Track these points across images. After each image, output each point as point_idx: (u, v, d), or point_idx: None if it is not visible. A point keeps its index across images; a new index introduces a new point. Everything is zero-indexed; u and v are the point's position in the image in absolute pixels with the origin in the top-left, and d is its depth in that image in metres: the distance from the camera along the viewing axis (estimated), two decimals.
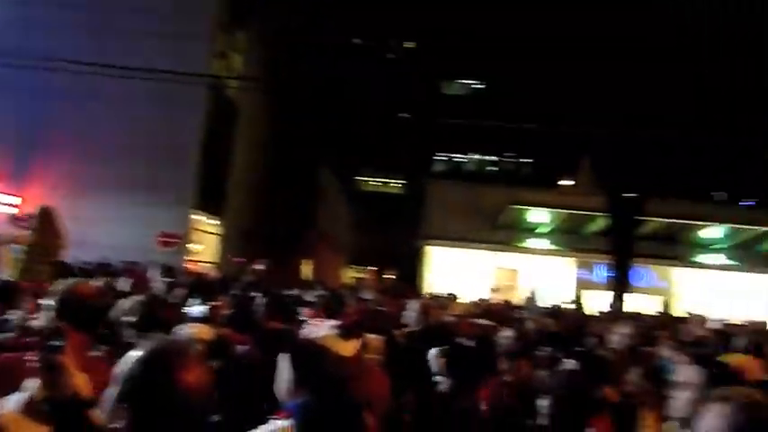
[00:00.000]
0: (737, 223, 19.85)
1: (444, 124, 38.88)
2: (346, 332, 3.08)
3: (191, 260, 17.96)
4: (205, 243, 20.12)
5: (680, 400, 3.49)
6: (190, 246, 18.38)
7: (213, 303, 4.81)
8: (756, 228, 19.64)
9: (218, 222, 20.79)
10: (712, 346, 5.63)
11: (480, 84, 42.58)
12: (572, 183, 23.38)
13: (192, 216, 18.54)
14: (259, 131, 23.72)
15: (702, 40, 29.11)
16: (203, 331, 3.42)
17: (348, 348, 2.44)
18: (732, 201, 30.87)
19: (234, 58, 21.38)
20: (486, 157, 41.95)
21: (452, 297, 11.64)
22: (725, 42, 29.10)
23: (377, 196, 43.01)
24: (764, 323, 11.95)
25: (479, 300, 12.27)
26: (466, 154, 42.34)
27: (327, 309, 5.63)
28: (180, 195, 17.54)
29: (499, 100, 38.41)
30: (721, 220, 19.86)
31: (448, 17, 36.05)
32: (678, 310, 15.64)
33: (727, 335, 6.59)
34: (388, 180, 44.73)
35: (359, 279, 28.00)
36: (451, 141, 40.64)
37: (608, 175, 20.67)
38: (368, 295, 9.89)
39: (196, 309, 4.58)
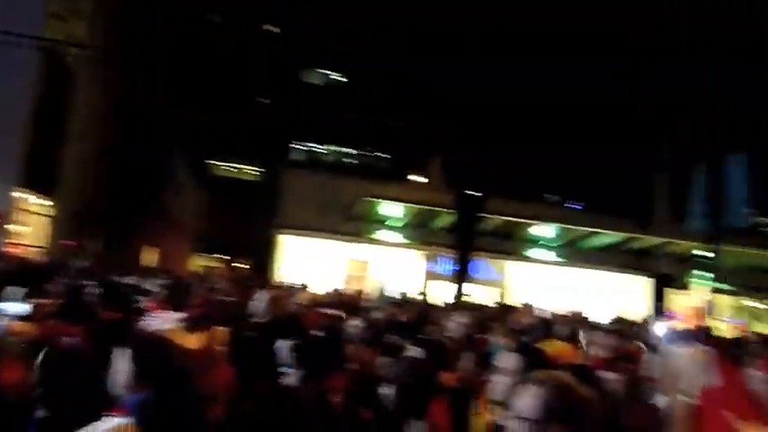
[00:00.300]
0: (565, 223, 22.14)
1: (303, 113, 38.68)
2: (193, 324, 2.97)
3: (13, 243, 16.12)
4: (32, 225, 18.15)
5: (500, 384, 3.83)
6: (12, 227, 16.49)
7: (38, 300, 4.29)
8: (581, 228, 22.08)
9: (49, 202, 18.84)
10: (535, 333, 6.19)
11: (341, 76, 42.86)
12: (424, 179, 24.42)
13: (17, 194, 16.63)
14: (100, 104, 21.78)
15: (550, 48, 31.43)
16: (23, 325, 3.14)
17: (193, 341, 2.37)
18: (561, 203, 34.24)
19: (76, 23, 19.42)
20: (343, 149, 42.40)
21: (303, 287, 11.67)
22: (570, 52, 31.66)
23: (231, 182, 41.56)
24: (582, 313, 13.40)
25: (333, 290, 12.41)
26: (323, 145, 42.44)
27: (171, 299, 5.38)
28: (2, 169, 15.61)
29: (359, 94, 39.01)
30: (551, 220, 22.01)
31: (313, 4, 35.79)
32: (511, 301, 17.05)
33: (549, 323, 7.30)
34: (243, 166, 43.43)
35: (208, 268, 26.90)
36: (309, 131, 40.52)
37: (455, 173, 21.93)
38: (217, 285, 9.57)
39: (17, 306, 4.10)
